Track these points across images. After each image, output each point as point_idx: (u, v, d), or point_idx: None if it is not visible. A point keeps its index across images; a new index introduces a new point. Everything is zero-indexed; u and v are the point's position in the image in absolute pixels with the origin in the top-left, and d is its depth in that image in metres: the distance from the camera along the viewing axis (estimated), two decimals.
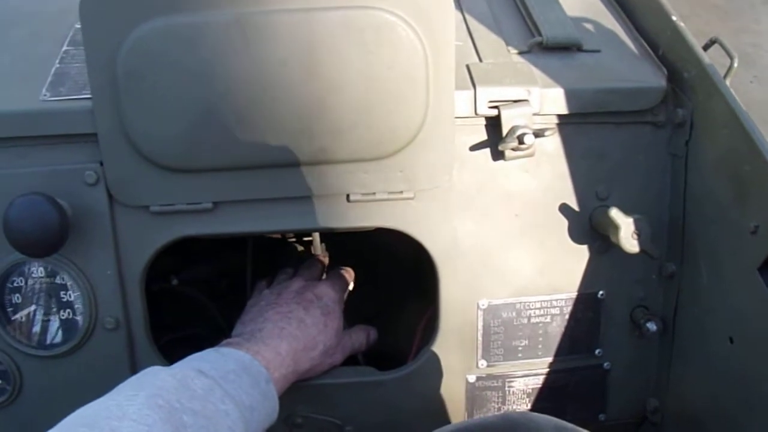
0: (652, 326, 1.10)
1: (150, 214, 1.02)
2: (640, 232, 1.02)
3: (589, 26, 1.17)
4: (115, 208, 1.03)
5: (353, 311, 1.34)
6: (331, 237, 1.32)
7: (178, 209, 1.02)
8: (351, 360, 1.30)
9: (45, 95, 1.02)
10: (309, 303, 1.10)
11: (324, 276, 1.27)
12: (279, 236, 1.38)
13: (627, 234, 1.02)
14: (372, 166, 1.01)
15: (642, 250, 1.02)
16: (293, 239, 1.37)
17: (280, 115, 0.96)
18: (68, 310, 1.06)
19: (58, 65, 1.07)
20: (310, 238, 1.32)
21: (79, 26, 1.11)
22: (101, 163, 1.01)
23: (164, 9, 0.93)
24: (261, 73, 0.95)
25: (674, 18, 1.09)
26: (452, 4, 0.96)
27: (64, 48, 1.11)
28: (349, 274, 1.26)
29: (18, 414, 1.08)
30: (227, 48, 0.94)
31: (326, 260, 1.33)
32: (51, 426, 0.78)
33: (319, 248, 1.30)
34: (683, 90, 1.07)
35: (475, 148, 1.05)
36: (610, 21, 1.19)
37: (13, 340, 1.05)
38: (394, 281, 1.37)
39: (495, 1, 1.22)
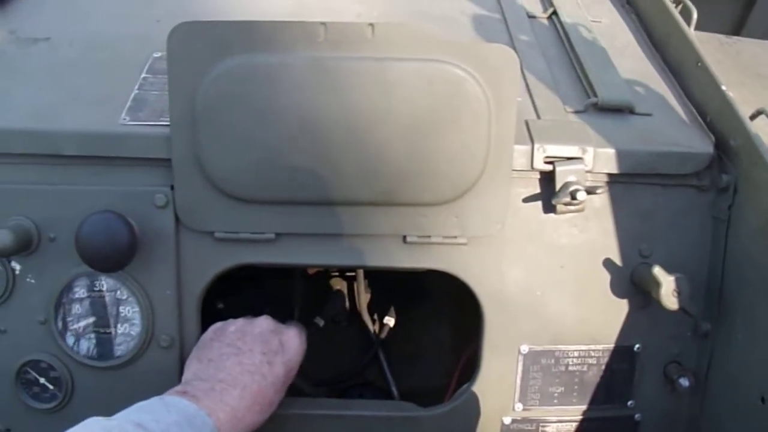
0: (684, 382, 1.13)
1: (214, 240, 1.07)
2: (680, 291, 1.05)
3: (641, 90, 1.22)
4: (180, 231, 1.07)
5: (392, 349, 1.39)
6: (373, 274, 1.36)
7: (241, 237, 1.07)
8: (386, 395, 1.34)
9: (125, 119, 1.08)
10: (274, 355, 1.05)
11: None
12: (323, 270, 1.42)
13: (668, 291, 1.05)
14: (430, 210, 1.06)
15: (681, 308, 1.06)
16: (337, 274, 1.41)
17: (347, 156, 1.01)
18: (126, 325, 1.10)
19: (137, 91, 1.13)
20: (353, 274, 1.36)
21: (157, 55, 1.18)
22: (172, 188, 1.05)
23: (246, 47, 0.99)
24: (333, 114, 1.00)
25: (723, 88, 1.14)
26: (519, 65, 1.01)
27: (143, 75, 1.16)
28: (305, 331, 1.17)
29: (65, 422, 1.11)
30: (303, 89, 0.99)
31: (369, 296, 1.37)
32: None
33: (362, 284, 1.34)
34: (729, 157, 1.11)
35: (528, 200, 1.10)
36: (661, 87, 1.24)
37: (70, 348, 1.09)
38: (431, 320, 1.41)
39: (553, 61, 1.27)
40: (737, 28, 2.03)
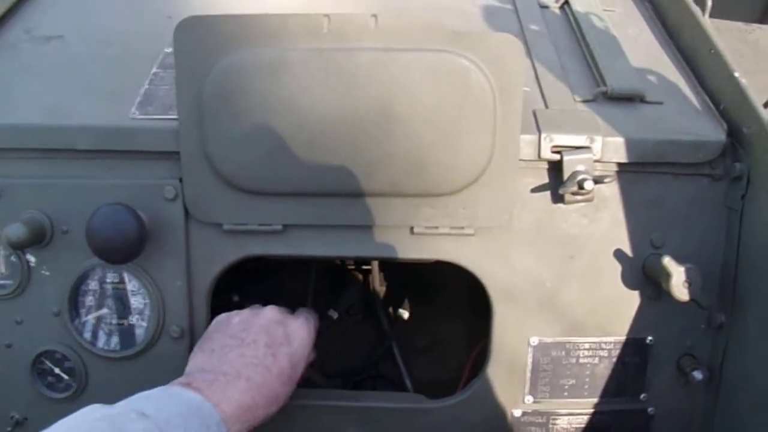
0: (698, 375, 1.11)
1: (222, 232, 1.08)
2: (691, 281, 1.04)
3: (652, 78, 1.20)
4: (189, 224, 1.09)
5: (406, 341, 1.38)
6: (388, 267, 1.36)
7: (249, 229, 1.07)
8: (400, 387, 1.34)
9: (134, 113, 1.09)
10: (278, 347, 1.03)
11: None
12: (338, 263, 1.42)
13: (678, 282, 1.04)
14: (437, 201, 1.05)
15: (692, 299, 1.04)
16: (352, 266, 1.41)
17: (353, 147, 1.01)
18: (137, 317, 1.11)
19: (147, 86, 1.14)
20: (368, 267, 1.36)
21: (168, 50, 1.19)
22: (180, 180, 1.07)
23: (252, 40, 1.00)
24: (338, 106, 1.00)
25: (737, 75, 1.12)
26: (524, 53, 1.00)
27: (154, 70, 1.18)
28: (315, 320, 1.17)
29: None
30: (308, 81, 0.99)
31: (383, 289, 1.37)
32: None
33: (377, 277, 1.34)
34: (742, 145, 1.09)
35: (536, 190, 1.09)
36: (673, 74, 1.23)
37: (83, 339, 1.11)
38: (445, 313, 1.40)
39: (564, 51, 1.26)
40: (764, 15, 1.99)
